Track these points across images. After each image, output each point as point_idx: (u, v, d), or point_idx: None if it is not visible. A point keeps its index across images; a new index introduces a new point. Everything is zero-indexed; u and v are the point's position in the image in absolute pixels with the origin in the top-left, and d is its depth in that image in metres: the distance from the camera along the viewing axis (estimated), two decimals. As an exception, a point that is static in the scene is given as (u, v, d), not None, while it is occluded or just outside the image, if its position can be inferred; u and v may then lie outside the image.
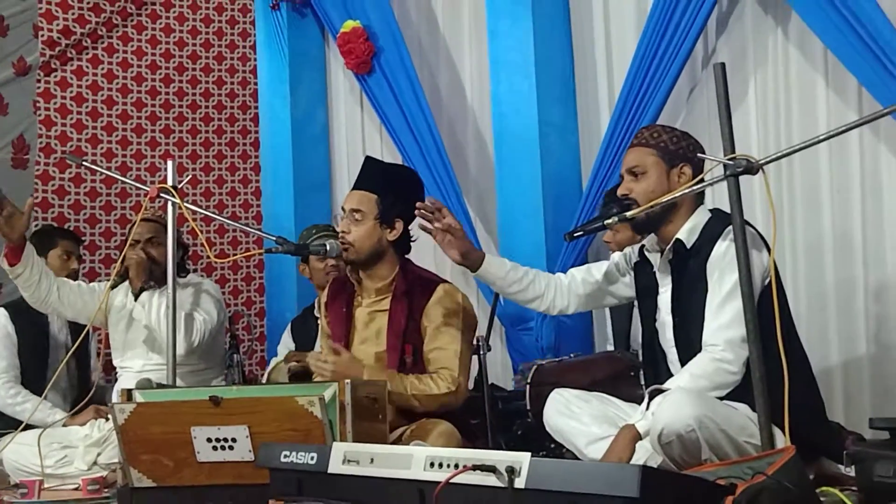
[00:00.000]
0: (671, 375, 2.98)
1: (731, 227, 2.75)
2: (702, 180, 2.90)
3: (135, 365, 4.12)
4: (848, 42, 3.86)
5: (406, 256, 3.55)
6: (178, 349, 4.03)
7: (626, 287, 3.36)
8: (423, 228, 3.33)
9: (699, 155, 3.01)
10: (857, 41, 3.82)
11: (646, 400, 2.89)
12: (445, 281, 3.53)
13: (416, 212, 3.29)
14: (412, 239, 3.55)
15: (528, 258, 4.95)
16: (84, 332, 3.99)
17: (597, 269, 3.40)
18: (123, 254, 4.04)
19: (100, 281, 5.35)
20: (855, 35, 3.82)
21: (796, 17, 4.18)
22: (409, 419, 3.34)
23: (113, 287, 4.14)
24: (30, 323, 4.40)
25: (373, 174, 3.56)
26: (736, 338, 2.80)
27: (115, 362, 4.30)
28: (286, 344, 4.93)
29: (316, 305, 4.78)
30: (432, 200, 3.32)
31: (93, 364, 4.69)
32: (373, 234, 3.43)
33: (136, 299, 4.09)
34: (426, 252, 4.62)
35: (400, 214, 3.45)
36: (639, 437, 2.81)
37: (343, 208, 3.52)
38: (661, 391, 2.84)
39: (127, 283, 4.15)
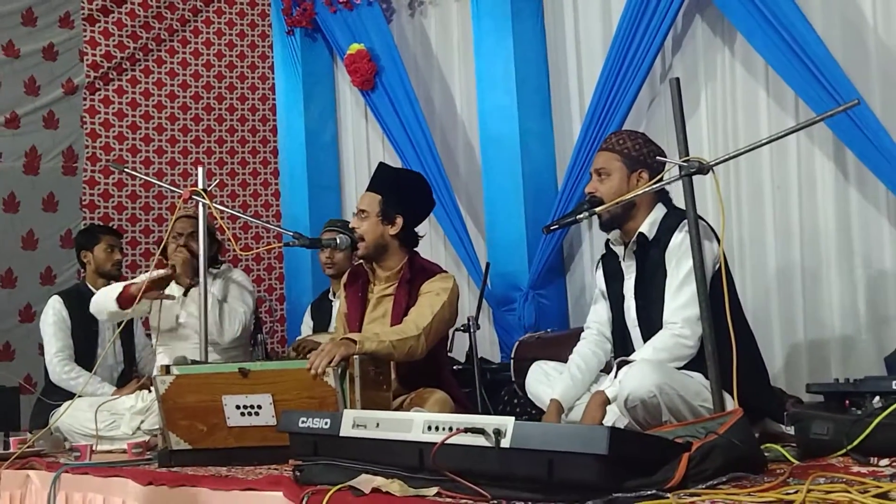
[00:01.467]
0: (635, 349, 2.98)
1: (685, 221, 2.75)
2: (660, 180, 2.90)
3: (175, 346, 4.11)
4: (786, 59, 3.87)
5: (415, 249, 3.52)
6: (224, 337, 4.02)
7: None
8: None
9: (658, 158, 2.99)
10: (794, 59, 3.83)
11: (614, 370, 2.90)
12: (445, 271, 3.52)
13: None
14: (419, 234, 3.53)
15: (511, 248, 4.99)
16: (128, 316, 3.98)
17: (599, 305, 3.24)
18: (164, 245, 4.03)
19: (139, 271, 5.37)
20: (792, 53, 3.84)
21: (741, 38, 4.19)
22: (409, 389, 3.35)
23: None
24: (81, 308, 4.37)
25: (379, 177, 3.55)
26: (692, 316, 2.79)
27: (155, 343, 4.25)
28: (307, 324, 4.94)
29: (331, 290, 4.79)
30: None
31: (143, 342, 4.69)
32: (375, 229, 3.42)
33: (185, 294, 4.08)
34: (423, 249, 4.59)
35: (400, 212, 3.42)
36: (608, 401, 2.82)
37: (357, 207, 3.52)
38: (628, 362, 2.84)
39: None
